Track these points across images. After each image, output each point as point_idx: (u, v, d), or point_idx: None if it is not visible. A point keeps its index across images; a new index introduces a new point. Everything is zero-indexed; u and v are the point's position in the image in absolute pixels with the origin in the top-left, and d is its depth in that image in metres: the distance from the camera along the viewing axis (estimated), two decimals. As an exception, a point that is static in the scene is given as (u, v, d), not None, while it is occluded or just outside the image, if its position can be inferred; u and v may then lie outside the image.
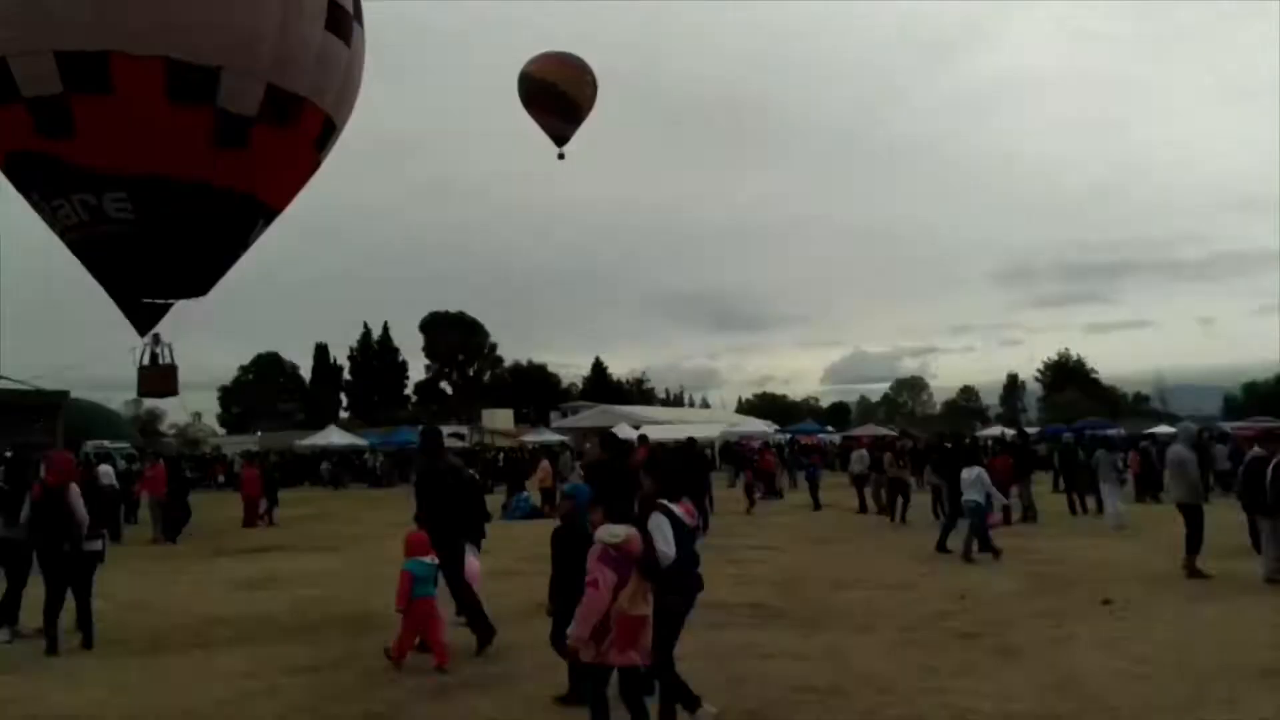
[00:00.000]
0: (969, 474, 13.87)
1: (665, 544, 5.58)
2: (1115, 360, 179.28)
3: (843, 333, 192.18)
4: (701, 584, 6.11)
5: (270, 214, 15.35)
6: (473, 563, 8.61)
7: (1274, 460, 10.79)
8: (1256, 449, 11.56)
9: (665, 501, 5.93)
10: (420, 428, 13.29)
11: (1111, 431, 42.66)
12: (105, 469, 20.90)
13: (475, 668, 7.68)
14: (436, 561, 7.92)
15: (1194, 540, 11.51)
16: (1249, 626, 8.64)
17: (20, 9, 12.05)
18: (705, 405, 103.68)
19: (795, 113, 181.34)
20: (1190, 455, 12.51)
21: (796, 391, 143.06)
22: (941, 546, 14.28)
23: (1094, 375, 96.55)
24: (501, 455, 42.99)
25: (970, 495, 13.64)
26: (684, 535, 5.80)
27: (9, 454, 12.80)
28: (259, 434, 62.17)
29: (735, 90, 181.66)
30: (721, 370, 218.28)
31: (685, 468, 19.38)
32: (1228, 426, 37.47)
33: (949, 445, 21.09)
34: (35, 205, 14.22)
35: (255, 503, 22.73)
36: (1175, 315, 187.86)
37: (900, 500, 19.56)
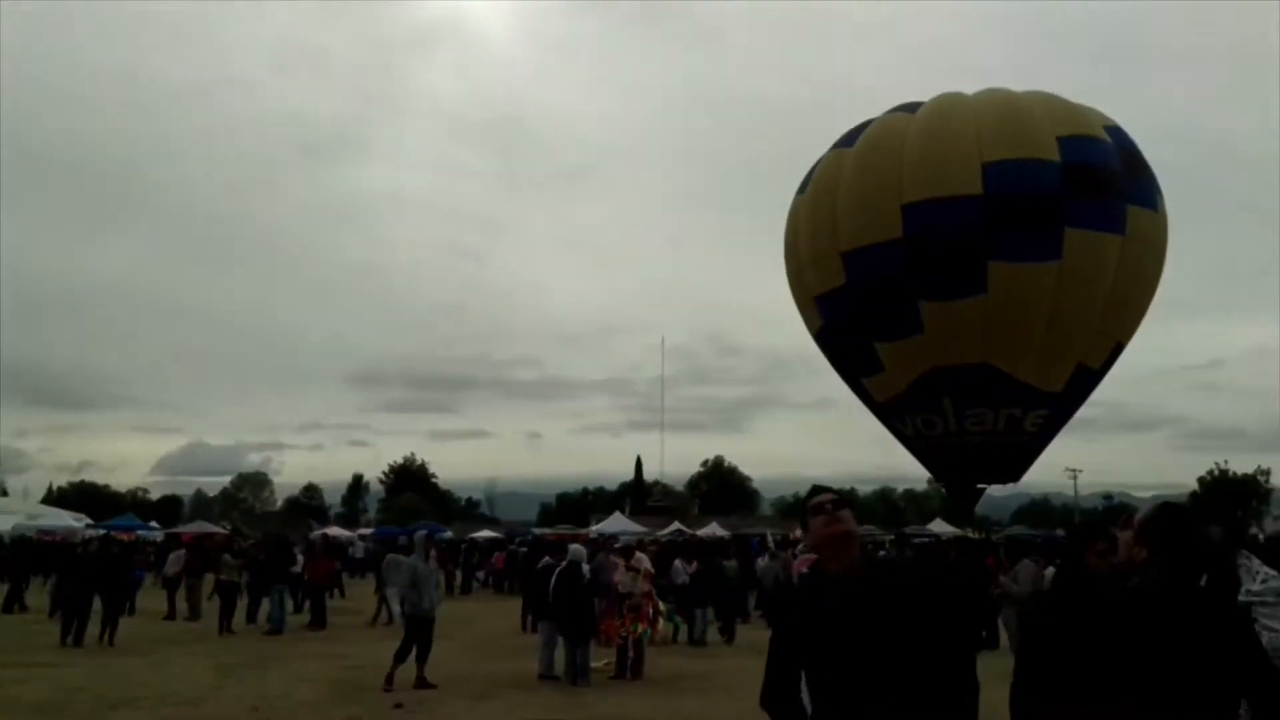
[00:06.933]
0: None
1: None
2: (455, 467, 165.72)
3: (183, 421, 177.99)
4: None
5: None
6: None
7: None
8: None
9: None
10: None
11: (441, 535, 42.15)
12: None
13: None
14: None
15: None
16: None
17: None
18: (2, 493, 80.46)
19: (164, 184, 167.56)
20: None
21: (122, 481, 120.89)
22: None
23: (434, 479, 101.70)
24: None
25: None
26: None
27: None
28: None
29: (99, 152, 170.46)
30: (30, 452, 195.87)
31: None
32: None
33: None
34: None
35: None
36: (509, 428, 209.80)
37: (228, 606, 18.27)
